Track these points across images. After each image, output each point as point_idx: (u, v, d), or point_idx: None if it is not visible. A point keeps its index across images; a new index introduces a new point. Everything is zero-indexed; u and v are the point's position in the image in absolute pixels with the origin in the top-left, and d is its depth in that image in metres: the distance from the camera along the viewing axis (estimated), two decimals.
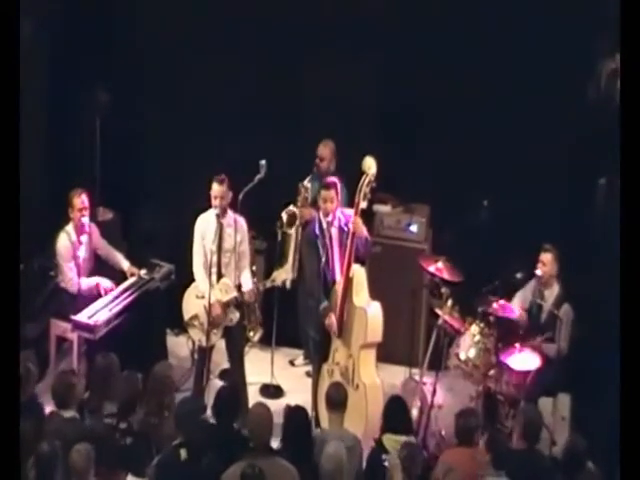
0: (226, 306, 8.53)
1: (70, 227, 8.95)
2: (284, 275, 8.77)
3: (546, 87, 9.08)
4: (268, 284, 8.74)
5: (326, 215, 8.42)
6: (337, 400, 7.34)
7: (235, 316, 8.66)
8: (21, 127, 8.42)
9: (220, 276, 8.59)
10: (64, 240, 8.92)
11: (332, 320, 8.39)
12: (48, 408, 7.43)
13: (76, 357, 8.92)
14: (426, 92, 9.41)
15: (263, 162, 8.96)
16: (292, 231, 9.41)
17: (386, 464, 6.83)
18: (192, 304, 8.70)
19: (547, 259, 8.57)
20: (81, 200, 8.87)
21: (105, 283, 8.99)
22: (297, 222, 9.34)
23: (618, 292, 6.07)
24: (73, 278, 8.92)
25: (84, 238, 9.01)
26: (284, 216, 9.47)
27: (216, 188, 8.42)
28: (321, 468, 6.68)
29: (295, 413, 7.18)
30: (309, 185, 9.51)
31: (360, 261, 8.47)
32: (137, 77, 9.98)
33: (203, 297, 8.52)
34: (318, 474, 6.79)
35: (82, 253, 9.00)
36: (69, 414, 7.18)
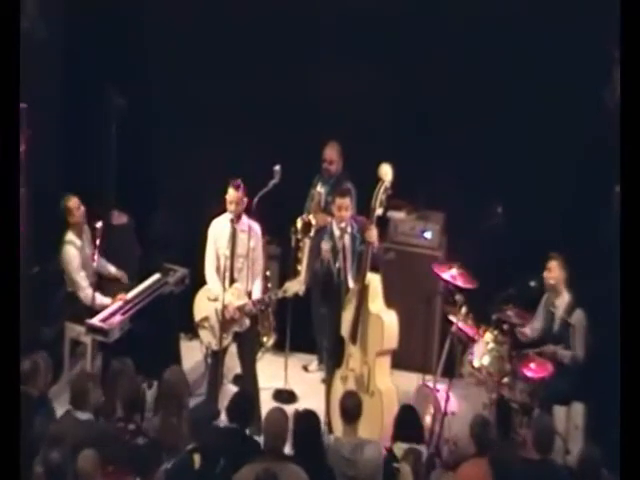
0: (240, 310, 8.53)
1: (71, 235, 8.96)
2: (296, 287, 8.70)
3: (562, 94, 9.06)
4: (280, 294, 8.68)
5: (340, 222, 8.41)
6: (352, 410, 7.27)
7: (245, 322, 8.65)
8: (37, 131, 8.58)
9: (233, 281, 8.59)
10: (71, 250, 8.93)
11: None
12: (61, 410, 7.46)
13: (90, 360, 8.93)
14: (441, 99, 9.40)
15: (278, 167, 8.96)
16: (306, 239, 9.39)
17: (397, 466, 6.84)
18: (203, 306, 8.70)
19: (552, 266, 8.58)
20: (74, 201, 8.89)
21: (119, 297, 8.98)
22: (312, 230, 9.32)
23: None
24: (86, 288, 8.90)
25: (85, 238, 9.02)
26: (299, 224, 9.47)
27: (232, 193, 8.42)
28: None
29: (304, 417, 7.17)
30: (322, 191, 9.51)
31: (373, 268, 8.46)
32: (152, 82, 10.00)
33: (215, 300, 8.53)
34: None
35: (87, 253, 9.00)
36: (85, 416, 7.21)
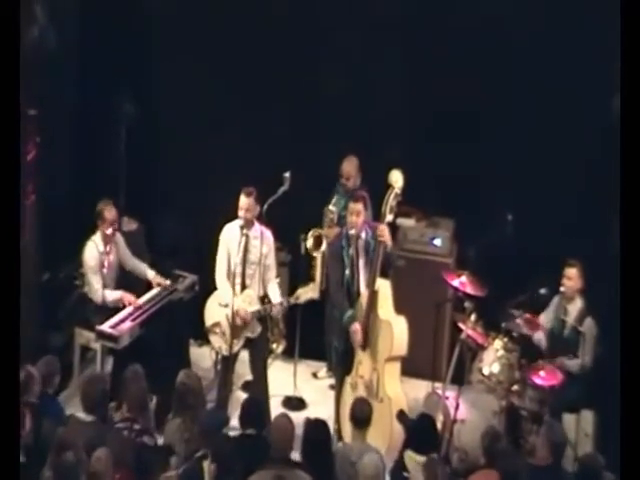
0: (253, 315, 8.53)
1: (98, 237, 8.97)
2: (310, 293, 8.70)
3: (572, 102, 9.07)
4: (292, 301, 8.69)
5: (352, 228, 8.39)
6: (362, 417, 7.33)
7: (257, 328, 8.66)
8: (48, 138, 8.62)
9: (244, 287, 8.60)
10: (92, 250, 8.93)
11: (357, 329, 8.34)
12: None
13: (99, 366, 8.94)
14: (451, 106, 9.40)
15: (287, 174, 8.97)
16: (318, 253, 9.39)
17: (406, 475, 6.84)
18: (214, 311, 8.72)
19: (572, 274, 8.54)
20: (113, 212, 8.90)
21: (129, 297, 8.98)
22: (323, 244, 9.30)
23: None
24: (99, 289, 8.92)
25: (111, 248, 9.03)
26: (310, 239, 9.46)
27: (244, 200, 8.42)
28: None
29: (315, 426, 7.18)
30: (334, 209, 9.46)
31: (382, 273, 8.43)
32: (164, 88, 10.03)
33: (226, 306, 8.54)
34: None
35: (109, 263, 9.01)
36: (90, 418, 7.23)
